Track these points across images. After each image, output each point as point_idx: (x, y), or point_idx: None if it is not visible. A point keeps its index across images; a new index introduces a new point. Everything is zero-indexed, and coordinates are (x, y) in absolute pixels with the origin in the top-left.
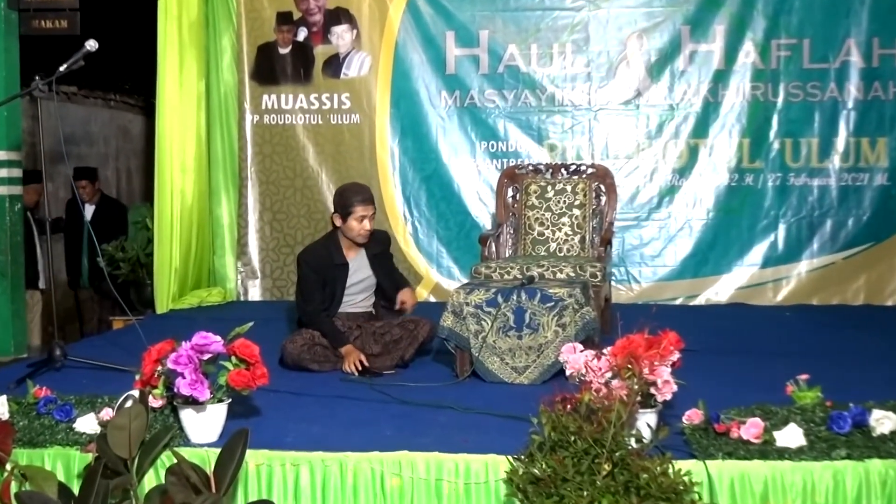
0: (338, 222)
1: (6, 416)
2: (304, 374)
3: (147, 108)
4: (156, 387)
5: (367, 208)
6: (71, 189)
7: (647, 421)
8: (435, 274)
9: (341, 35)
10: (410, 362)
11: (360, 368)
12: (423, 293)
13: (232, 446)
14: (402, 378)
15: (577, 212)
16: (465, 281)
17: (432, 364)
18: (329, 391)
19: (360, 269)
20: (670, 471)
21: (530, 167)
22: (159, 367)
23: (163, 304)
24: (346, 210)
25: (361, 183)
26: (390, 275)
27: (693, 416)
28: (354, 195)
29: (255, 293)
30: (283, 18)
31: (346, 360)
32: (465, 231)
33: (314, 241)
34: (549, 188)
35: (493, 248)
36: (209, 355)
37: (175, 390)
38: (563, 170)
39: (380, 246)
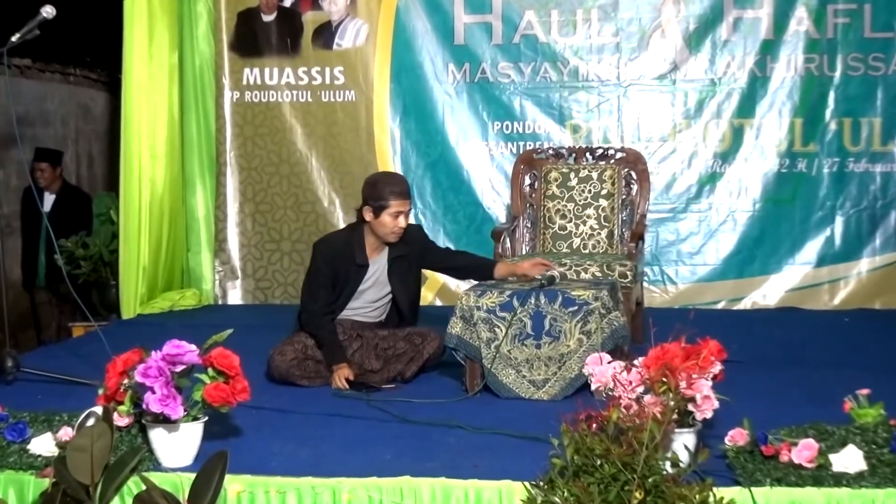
0: (368, 217)
1: None
2: (292, 389)
3: (111, 84)
4: (121, 403)
5: (404, 203)
6: (28, 176)
7: (684, 442)
8: (441, 274)
9: (334, 0)
10: (412, 379)
11: (345, 386)
12: (428, 296)
13: (209, 471)
14: (404, 393)
15: (604, 202)
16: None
17: (438, 377)
18: (320, 408)
19: (379, 274)
20: (711, 499)
21: (551, 151)
22: (125, 381)
23: (129, 307)
24: (380, 203)
25: (396, 173)
26: (455, 257)
27: (737, 437)
28: (390, 187)
29: (235, 296)
30: None
31: (334, 376)
32: (475, 225)
33: (336, 231)
34: (573, 175)
35: (508, 245)
36: (182, 367)
37: (144, 407)
38: (588, 154)
39: (408, 246)
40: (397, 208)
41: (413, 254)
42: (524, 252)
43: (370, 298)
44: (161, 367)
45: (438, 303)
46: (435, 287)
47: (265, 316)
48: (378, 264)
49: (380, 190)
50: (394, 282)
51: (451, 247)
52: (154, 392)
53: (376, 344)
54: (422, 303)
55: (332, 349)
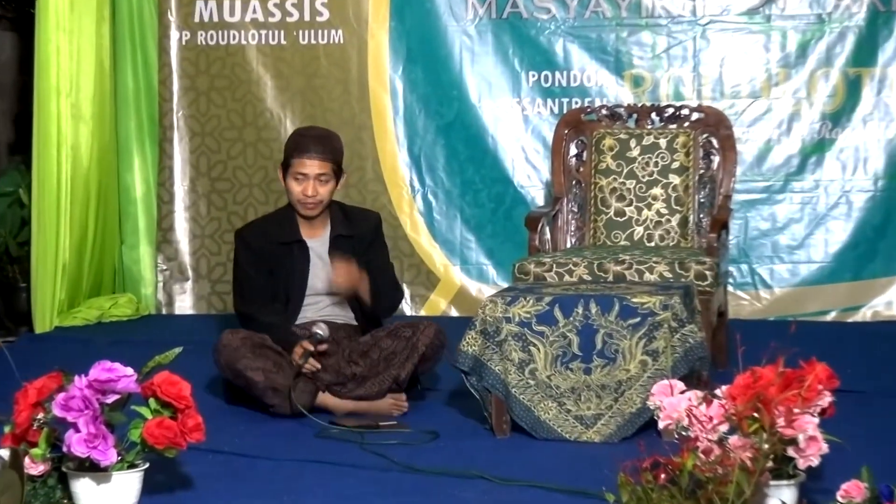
0: (281, 181)
1: None
2: (261, 426)
3: (19, 22)
4: (35, 444)
5: (311, 163)
6: None
7: (782, 499)
8: (458, 274)
9: None
10: (406, 383)
11: (309, 365)
12: (441, 303)
13: None
14: (405, 434)
15: (675, 179)
16: (505, 285)
17: (452, 410)
18: (298, 452)
19: (322, 255)
20: None
21: (604, 111)
22: (40, 415)
23: (45, 318)
24: (285, 161)
25: (324, 129)
26: (373, 273)
27: (853, 491)
28: (298, 140)
29: (184, 302)
30: None
31: (293, 354)
32: (503, 209)
33: (268, 213)
34: (634, 143)
35: (548, 236)
36: (115, 397)
37: (65, 449)
38: (654, 115)
39: (355, 228)
40: (299, 169)
41: (358, 239)
42: (568, 245)
43: (326, 289)
44: (87, 396)
45: (454, 313)
46: (449, 292)
47: (224, 329)
48: (318, 243)
49: (288, 145)
50: (335, 257)
51: (473, 236)
52: (78, 430)
53: (353, 348)
54: (432, 312)
55: (286, 331)
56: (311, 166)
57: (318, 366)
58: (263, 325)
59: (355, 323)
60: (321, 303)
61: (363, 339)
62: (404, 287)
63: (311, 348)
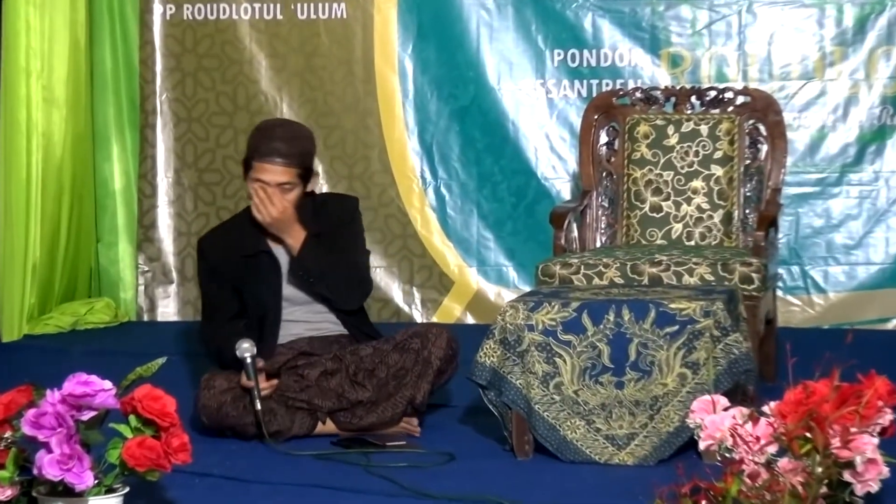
0: (244, 179)
1: None
2: (254, 447)
3: None
4: (2, 466)
5: (271, 170)
6: None
7: None
8: (474, 276)
9: None
10: (424, 406)
11: (266, 385)
12: (455, 309)
13: None
14: (416, 455)
15: (718, 170)
16: (527, 289)
17: (467, 429)
18: (295, 475)
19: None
20: None
21: (639, 94)
22: (8, 434)
23: (13, 325)
24: (247, 165)
25: (291, 125)
26: (334, 255)
27: None
28: (259, 138)
29: (168, 308)
30: None
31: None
32: (526, 203)
33: (229, 219)
34: (671, 130)
35: (575, 233)
36: (92, 414)
37: (35, 472)
38: (694, 98)
39: (322, 222)
40: (258, 174)
41: (326, 236)
42: (598, 245)
43: (299, 298)
44: (61, 413)
45: (470, 320)
46: (464, 297)
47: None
48: (286, 250)
49: (250, 142)
50: (309, 267)
51: (491, 234)
52: (50, 450)
53: (356, 366)
54: (445, 319)
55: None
56: (273, 173)
57: (273, 382)
58: (216, 352)
59: (347, 332)
60: (306, 315)
61: (364, 351)
62: (415, 295)
63: (251, 384)
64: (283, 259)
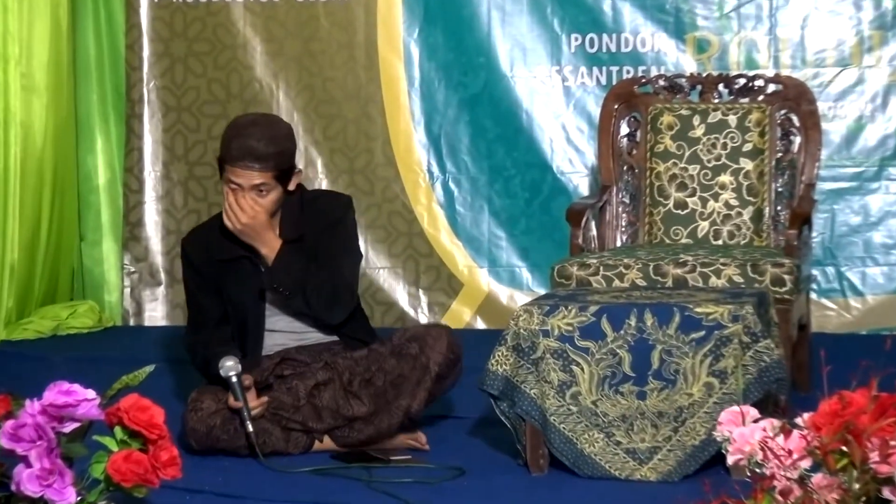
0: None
1: None
2: (248, 462)
3: None
4: None
5: (244, 174)
6: None
7: None
8: (485, 277)
9: None
10: (420, 414)
11: (256, 403)
12: (464, 313)
13: None
14: (423, 469)
15: (747, 164)
16: (542, 291)
17: (478, 442)
18: (292, 491)
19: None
20: None
21: (662, 82)
22: None
23: None
24: (221, 166)
25: (268, 120)
26: (322, 268)
27: None
28: (232, 138)
29: (155, 312)
30: None
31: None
32: (540, 199)
33: (212, 217)
34: (697, 121)
35: (593, 232)
36: (75, 425)
37: (13, 488)
38: (722, 86)
39: (311, 224)
40: (231, 176)
41: (312, 238)
42: (618, 244)
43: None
44: (40, 424)
45: (480, 325)
46: (475, 300)
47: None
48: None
49: (222, 140)
50: (284, 280)
51: (503, 232)
52: (29, 465)
53: (351, 374)
54: (454, 324)
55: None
56: (247, 177)
57: (263, 400)
58: (202, 364)
59: (337, 338)
60: (291, 325)
61: (358, 353)
62: (421, 298)
63: (239, 405)
64: (264, 264)
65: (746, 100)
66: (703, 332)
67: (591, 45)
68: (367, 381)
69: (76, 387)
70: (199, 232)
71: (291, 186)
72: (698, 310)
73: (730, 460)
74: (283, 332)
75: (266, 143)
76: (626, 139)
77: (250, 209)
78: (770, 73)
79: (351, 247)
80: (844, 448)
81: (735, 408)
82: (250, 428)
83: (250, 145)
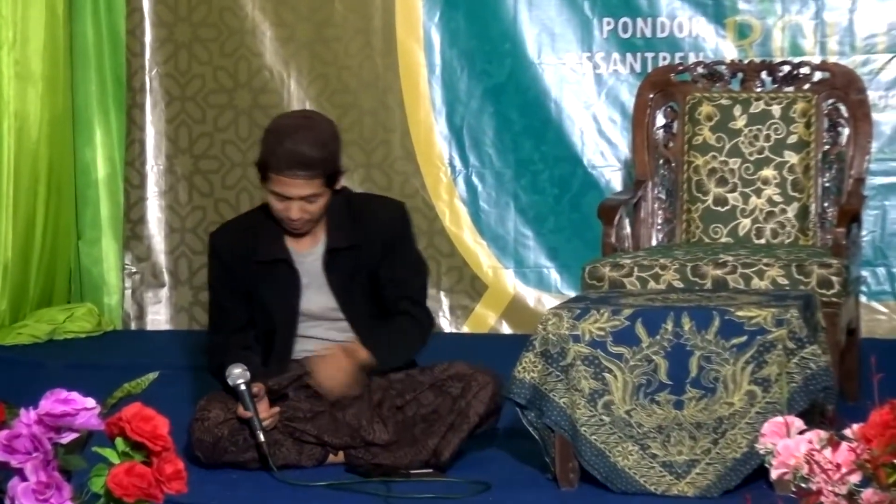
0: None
1: None
2: (257, 475)
3: None
4: None
5: (292, 184)
6: None
7: None
8: (511, 278)
9: None
10: (449, 465)
11: (267, 414)
12: (489, 317)
13: None
14: (445, 484)
15: (792, 157)
16: (572, 294)
17: (505, 454)
18: None
19: (316, 274)
20: None
21: (700, 70)
22: None
23: None
24: (263, 172)
25: (310, 125)
26: (397, 288)
27: None
28: (276, 146)
29: (158, 315)
30: None
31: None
32: (570, 195)
33: (247, 213)
34: (739, 111)
35: (627, 229)
36: (73, 436)
37: (7, 502)
38: (765, 74)
39: (360, 234)
40: (277, 188)
41: (367, 249)
42: (654, 243)
43: (321, 314)
44: (36, 435)
45: (506, 329)
46: (500, 303)
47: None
48: (310, 259)
49: (264, 147)
50: (334, 287)
51: (530, 230)
52: (25, 478)
53: (383, 397)
54: (477, 328)
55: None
56: (294, 187)
57: (275, 411)
58: (218, 369)
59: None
60: (327, 332)
61: (395, 376)
62: (443, 301)
63: (249, 414)
64: (303, 269)
65: (791, 88)
66: (744, 338)
67: (625, 30)
68: (398, 407)
69: (74, 395)
70: (231, 228)
71: (338, 186)
72: (739, 313)
73: (773, 475)
74: (316, 339)
75: (315, 148)
76: (661, 131)
77: (305, 213)
78: (816, 59)
79: (419, 267)
80: None
81: (779, 418)
82: (262, 438)
83: (300, 151)
